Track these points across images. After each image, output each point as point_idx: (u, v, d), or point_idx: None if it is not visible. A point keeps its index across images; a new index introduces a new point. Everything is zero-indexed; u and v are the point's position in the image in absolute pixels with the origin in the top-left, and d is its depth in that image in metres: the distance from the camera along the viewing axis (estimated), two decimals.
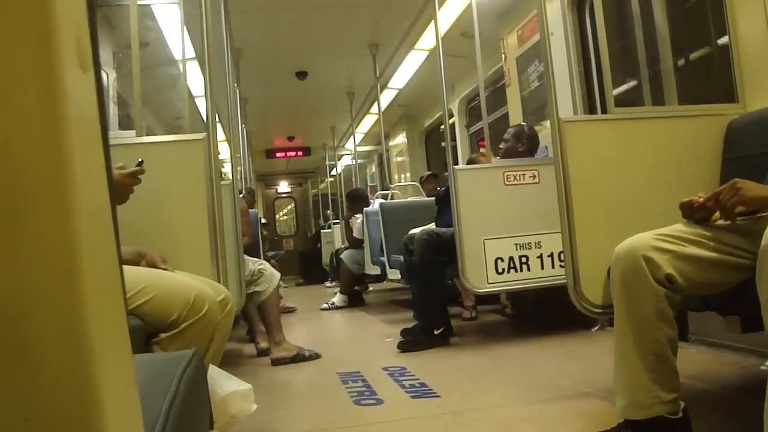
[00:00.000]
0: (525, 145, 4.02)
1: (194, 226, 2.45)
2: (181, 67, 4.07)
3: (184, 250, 2.41)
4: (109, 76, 4.82)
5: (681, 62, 3.73)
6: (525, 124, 4.40)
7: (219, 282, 2.33)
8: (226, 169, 7.69)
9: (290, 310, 6.54)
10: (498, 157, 4.10)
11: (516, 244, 3.60)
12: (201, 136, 2.49)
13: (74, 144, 0.28)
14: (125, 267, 1.84)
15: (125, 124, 4.97)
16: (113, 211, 0.33)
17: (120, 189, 1.93)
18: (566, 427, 2.05)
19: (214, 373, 1.79)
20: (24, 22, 0.27)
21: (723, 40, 2.93)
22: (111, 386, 0.30)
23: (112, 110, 4.79)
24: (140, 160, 2.01)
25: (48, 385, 0.28)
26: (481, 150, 4.98)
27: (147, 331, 1.69)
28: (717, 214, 1.68)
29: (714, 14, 3.16)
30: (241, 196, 4.85)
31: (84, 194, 0.28)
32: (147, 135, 2.75)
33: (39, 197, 0.27)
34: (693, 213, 1.71)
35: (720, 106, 2.63)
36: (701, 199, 1.67)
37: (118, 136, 2.78)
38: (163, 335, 1.70)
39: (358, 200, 6.91)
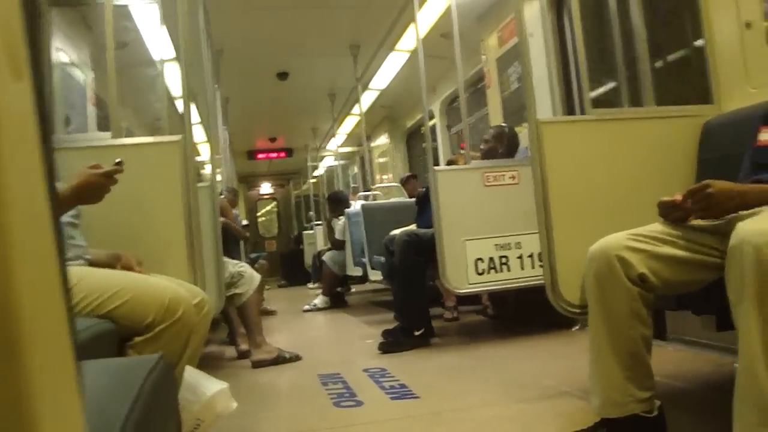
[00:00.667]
0: (505, 147, 4.03)
1: (171, 228, 2.43)
2: (159, 67, 4.04)
3: (161, 252, 2.39)
4: (87, 77, 4.77)
5: (658, 64, 3.76)
6: (506, 125, 4.41)
7: (196, 285, 2.32)
8: (207, 170, 7.65)
9: (270, 313, 6.50)
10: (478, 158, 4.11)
11: (496, 245, 3.61)
12: (177, 137, 2.47)
13: (2, 155, 0.27)
14: (99, 270, 1.84)
15: (104, 125, 4.92)
16: (54, 219, 0.32)
17: (94, 188, 1.90)
18: (545, 427, 2.06)
19: (193, 374, 1.79)
20: None
21: (699, 42, 2.96)
22: (48, 395, 0.29)
23: (90, 111, 4.74)
24: (119, 160, 1.99)
25: None
26: (461, 151, 5.00)
27: (121, 334, 1.68)
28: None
29: (690, 17, 3.18)
30: (222, 196, 4.84)
31: (15, 202, 0.28)
32: (126, 137, 2.73)
33: None
34: (670, 213, 1.73)
35: (696, 107, 2.65)
36: (679, 199, 1.69)
37: (94, 137, 2.76)
38: (137, 339, 1.69)
39: (339, 203, 6.90)
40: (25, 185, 0.29)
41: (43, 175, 0.31)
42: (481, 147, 4.08)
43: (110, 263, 2.04)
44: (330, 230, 7.01)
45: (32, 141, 0.31)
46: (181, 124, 2.56)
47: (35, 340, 0.29)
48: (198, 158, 2.59)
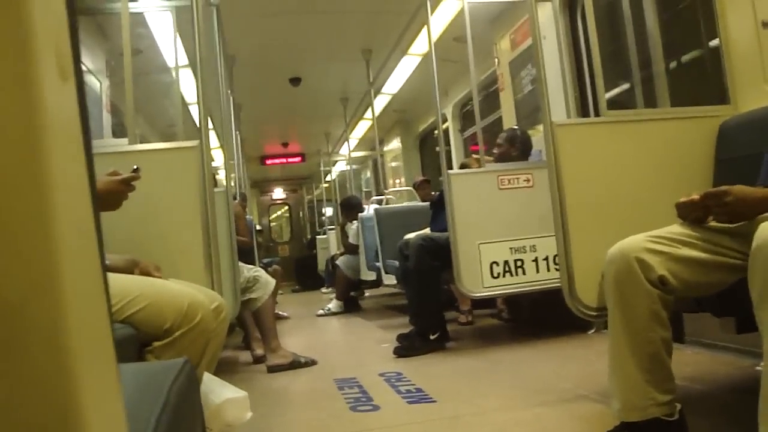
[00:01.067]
0: (518, 149, 4.03)
1: (188, 233, 2.44)
2: (174, 74, 4.07)
3: (177, 257, 2.40)
4: (102, 84, 4.81)
5: (673, 65, 3.75)
6: (517, 127, 4.41)
7: (213, 289, 2.33)
8: (221, 176, 7.68)
9: (282, 317, 6.49)
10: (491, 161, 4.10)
11: (511, 248, 3.60)
12: (194, 143, 2.49)
13: (53, 154, 0.28)
14: (118, 276, 1.84)
15: (119, 132, 4.95)
16: (97, 221, 0.33)
17: (113, 195, 1.92)
18: (563, 431, 2.05)
19: (209, 381, 1.78)
20: (0, 31, 0.27)
21: (714, 42, 2.94)
22: (94, 399, 0.29)
23: (106, 118, 4.78)
24: (135, 167, 2.01)
25: (27, 398, 0.28)
26: (474, 156, 5.00)
27: (140, 339, 1.69)
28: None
29: (704, 16, 3.17)
30: (235, 201, 4.85)
31: (63, 204, 0.28)
32: (140, 143, 2.74)
33: (16, 208, 0.27)
34: (689, 214, 1.72)
35: (712, 107, 2.64)
36: (696, 199, 1.68)
37: (110, 144, 2.78)
38: (156, 344, 1.69)
39: (352, 208, 6.91)
40: (72, 185, 0.30)
41: (87, 175, 0.31)
42: (494, 151, 4.08)
43: (128, 269, 2.05)
44: (344, 235, 7.02)
45: (78, 141, 0.31)
46: (196, 129, 2.58)
47: (82, 345, 0.29)
48: (212, 164, 2.62)
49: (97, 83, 4.75)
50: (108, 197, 1.90)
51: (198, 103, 2.58)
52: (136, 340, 1.65)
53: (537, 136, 4.32)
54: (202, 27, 2.58)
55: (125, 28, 2.68)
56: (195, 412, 0.85)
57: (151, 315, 1.70)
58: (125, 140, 2.63)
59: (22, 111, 0.27)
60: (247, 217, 5.06)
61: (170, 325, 1.69)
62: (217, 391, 1.75)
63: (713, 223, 1.70)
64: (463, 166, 4.52)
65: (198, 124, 2.56)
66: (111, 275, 1.83)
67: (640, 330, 1.63)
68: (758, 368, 2.30)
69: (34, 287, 0.27)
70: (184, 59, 4.29)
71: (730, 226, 1.65)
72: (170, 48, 4.09)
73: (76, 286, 0.29)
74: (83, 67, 4.21)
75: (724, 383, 2.47)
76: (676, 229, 1.69)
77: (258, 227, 8.78)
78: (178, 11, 3.23)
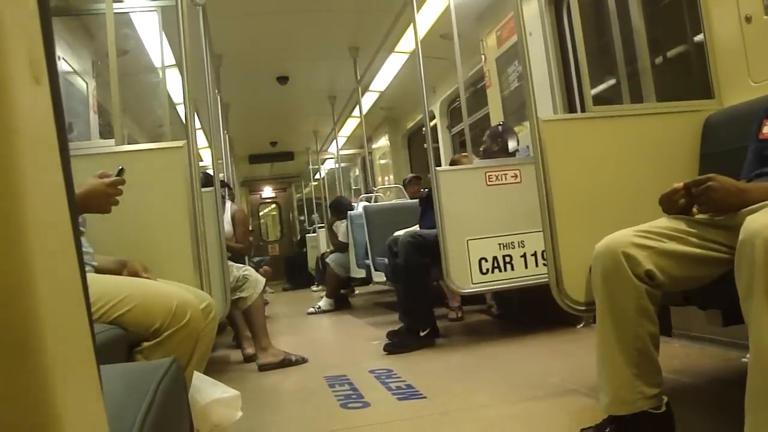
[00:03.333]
0: (499, 144, 4.05)
1: (176, 233, 2.44)
2: (160, 74, 4.05)
3: (166, 258, 2.40)
4: (89, 85, 4.79)
5: (658, 60, 3.77)
6: (499, 123, 4.42)
7: (202, 289, 2.33)
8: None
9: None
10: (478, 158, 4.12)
11: (499, 244, 3.61)
12: (181, 143, 2.48)
13: (25, 157, 0.28)
14: (106, 277, 1.84)
15: (106, 133, 4.93)
16: (75, 223, 0.33)
17: (100, 198, 1.91)
18: (552, 425, 2.06)
19: (198, 380, 1.78)
20: None
21: (699, 37, 2.96)
22: (72, 401, 0.29)
23: (93, 119, 4.75)
24: (120, 167, 2.00)
25: (3, 402, 0.28)
26: (463, 153, 5.01)
27: (130, 340, 1.68)
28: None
29: (689, 12, 3.19)
30: (237, 208, 4.84)
31: (37, 207, 0.28)
32: (128, 143, 2.74)
33: None
34: (673, 204, 1.73)
35: (697, 102, 2.65)
36: (679, 186, 1.69)
37: (97, 145, 2.76)
38: (145, 344, 1.69)
39: (341, 208, 6.89)
40: (46, 188, 0.30)
41: (63, 177, 0.31)
42: (481, 148, 4.10)
43: (116, 270, 2.05)
44: (332, 234, 7.01)
45: (52, 144, 0.31)
46: (183, 129, 2.57)
47: (58, 347, 0.29)
48: (200, 163, 2.60)
49: (83, 84, 4.73)
50: (95, 200, 1.89)
51: (185, 102, 2.57)
52: (125, 340, 1.65)
53: (524, 132, 4.33)
54: (187, 27, 2.57)
55: (110, 29, 2.67)
56: (182, 412, 0.85)
57: (140, 315, 1.69)
58: (112, 141, 2.62)
59: None
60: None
61: (159, 325, 1.69)
62: (205, 391, 1.74)
63: (699, 217, 1.71)
64: (453, 163, 4.53)
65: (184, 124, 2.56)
66: (99, 277, 1.84)
67: (627, 324, 1.64)
68: (744, 360, 2.33)
69: (7, 290, 0.27)
70: (170, 59, 4.27)
71: (716, 219, 1.67)
72: (156, 48, 4.08)
73: (52, 289, 0.29)
74: (69, 68, 4.18)
75: (711, 375, 2.49)
76: (663, 223, 1.70)
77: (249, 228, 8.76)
78: (164, 11, 3.23)
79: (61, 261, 0.31)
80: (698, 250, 1.62)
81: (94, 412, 0.33)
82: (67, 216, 0.32)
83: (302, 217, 14.26)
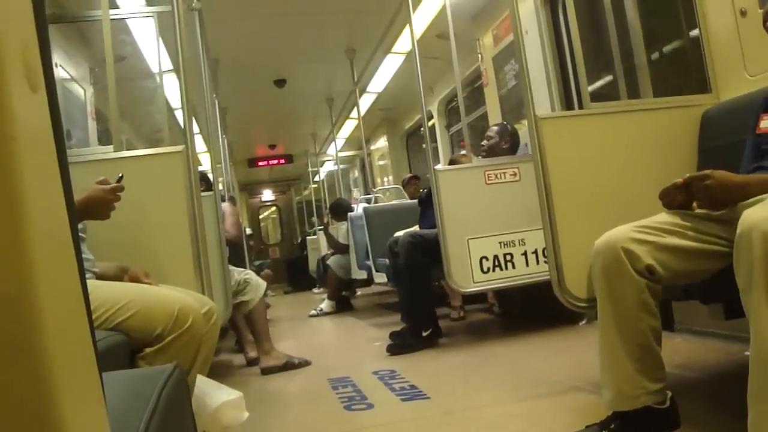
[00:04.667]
0: (509, 143, 4.04)
1: (177, 238, 2.44)
2: (158, 79, 4.05)
3: (167, 263, 2.40)
4: (86, 92, 4.79)
5: (654, 55, 3.77)
6: (506, 122, 4.42)
7: (204, 294, 2.33)
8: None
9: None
10: (480, 156, 4.10)
11: (500, 243, 3.61)
12: (179, 148, 2.48)
13: (24, 164, 0.28)
14: (107, 283, 1.84)
15: (104, 139, 4.93)
16: (74, 229, 0.33)
17: (100, 205, 1.92)
18: (556, 422, 2.06)
19: (204, 384, 1.78)
20: None
21: (694, 32, 2.96)
22: (74, 406, 0.30)
23: (91, 125, 4.75)
24: (120, 175, 2.00)
25: (5, 408, 0.28)
26: (462, 152, 5.01)
27: (132, 346, 1.69)
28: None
29: (684, 6, 3.19)
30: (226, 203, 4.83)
31: (37, 215, 0.28)
32: (126, 149, 2.74)
33: None
34: (673, 199, 1.73)
35: (694, 97, 2.65)
36: (679, 182, 1.69)
37: (96, 151, 2.76)
38: (148, 350, 1.70)
39: (341, 210, 6.89)
40: (45, 195, 0.30)
41: (62, 184, 0.31)
42: (483, 144, 4.07)
43: (117, 276, 2.05)
44: (328, 236, 7.00)
45: (50, 150, 0.31)
46: (182, 134, 2.57)
47: (60, 355, 0.29)
48: (199, 168, 2.61)
49: (81, 91, 4.73)
50: (95, 207, 1.90)
51: (182, 107, 2.57)
52: (128, 347, 1.65)
53: (522, 130, 4.33)
54: (184, 32, 2.57)
55: (107, 35, 2.67)
56: (185, 417, 0.85)
57: (142, 321, 1.70)
58: (111, 147, 2.62)
59: None
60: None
61: (161, 330, 1.69)
62: (213, 394, 1.75)
63: (699, 211, 1.71)
64: (451, 162, 4.53)
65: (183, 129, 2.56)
66: (100, 283, 1.84)
67: (629, 320, 1.65)
68: (747, 353, 2.33)
69: (9, 298, 0.27)
70: (167, 64, 4.27)
71: (714, 213, 1.67)
72: (153, 53, 4.08)
73: (52, 296, 0.29)
74: (66, 75, 4.18)
75: (714, 370, 2.49)
76: (662, 218, 1.70)
77: (248, 231, 8.77)
78: (160, 17, 3.22)
79: (62, 268, 0.31)
80: (698, 244, 1.62)
81: (96, 418, 0.33)
82: (66, 223, 0.32)
83: (301, 221, 14.26)
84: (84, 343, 0.33)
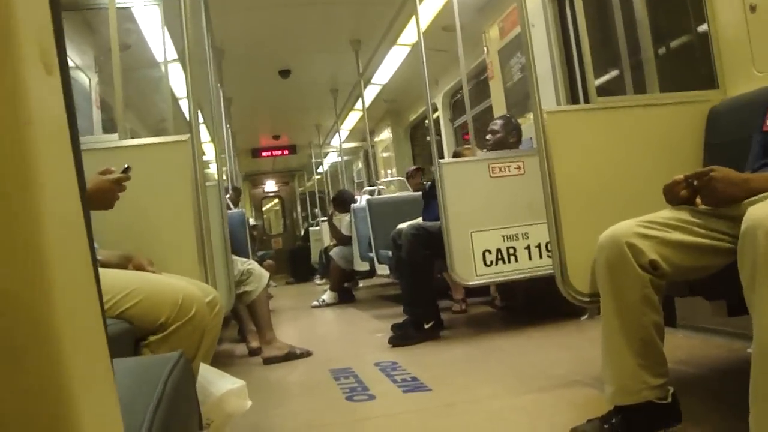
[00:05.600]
0: (514, 136, 4.03)
1: (181, 227, 2.44)
2: (163, 68, 4.05)
3: (171, 252, 2.40)
4: (91, 80, 4.78)
5: (662, 50, 3.75)
6: (511, 115, 4.41)
7: (207, 283, 2.33)
8: (212, 170, 7.64)
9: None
10: (485, 150, 4.09)
11: (503, 236, 3.61)
12: (184, 137, 2.48)
13: (40, 149, 0.28)
14: (111, 271, 1.84)
15: (109, 128, 4.93)
16: (87, 216, 0.33)
17: (105, 195, 1.92)
18: (557, 416, 2.06)
19: (207, 372, 1.79)
20: None
21: (702, 27, 2.95)
22: (87, 392, 0.30)
23: (96, 114, 4.75)
24: (126, 166, 2.00)
25: (19, 393, 0.28)
26: (466, 146, 5.00)
27: (136, 334, 1.69)
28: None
29: (692, 1, 3.17)
30: (228, 196, 4.83)
31: (51, 200, 0.28)
32: (131, 138, 2.74)
33: (3, 205, 0.27)
34: (675, 195, 1.73)
35: (701, 93, 2.64)
36: (680, 178, 1.69)
37: (101, 140, 2.76)
38: (152, 338, 1.70)
39: (345, 202, 6.89)
40: (60, 181, 0.30)
41: (75, 170, 0.31)
42: (488, 137, 4.06)
43: (121, 264, 2.05)
44: (332, 227, 7.01)
45: (65, 135, 0.31)
46: (186, 124, 2.57)
47: (73, 341, 0.29)
48: (203, 158, 2.62)
49: (86, 79, 4.72)
50: (100, 197, 1.90)
51: (188, 97, 2.57)
52: (132, 334, 1.66)
53: (527, 123, 4.32)
54: (189, 21, 2.56)
55: (112, 23, 2.66)
56: (190, 405, 0.86)
57: (146, 309, 1.70)
58: (115, 136, 2.62)
59: (6, 106, 0.27)
60: (239, 210, 5.03)
61: (165, 319, 1.69)
62: (217, 382, 1.75)
63: (703, 207, 1.71)
64: (455, 155, 4.53)
65: (188, 119, 2.55)
66: (105, 271, 1.84)
67: (632, 315, 1.65)
68: (749, 350, 2.33)
69: (23, 283, 0.27)
70: (173, 53, 4.26)
71: (719, 210, 1.66)
72: (159, 42, 4.07)
73: (66, 281, 0.29)
74: (72, 63, 4.18)
75: (716, 366, 2.49)
76: (667, 213, 1.70)
77: (252, 221, 8.77)
78: (166, 5, 3.22)
79: (75, 254, 0.31)
80: (702, 240, 1.62)
81: (108, 404, 0.33)
82: (80, 209, 0.32)
83: (304, 213, 14.26)
84: (96, 331, 0.33)
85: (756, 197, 1.54)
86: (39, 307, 0.28)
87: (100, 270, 1.59)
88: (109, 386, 0.34)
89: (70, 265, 0.30)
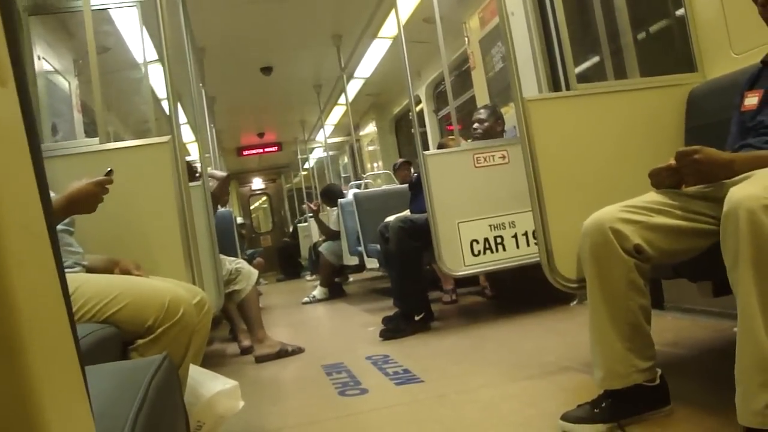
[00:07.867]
0: (501, 124, 4.04)
1: (166, 229, 2.43)
2: (143, 69, 4.03)
3: (157, 254, 2.39)
4: (71, 84, 4.74)
5: (640, 35, 3.77)
6: (494, 104, 4.41)
7: (195, 284, 2.32)
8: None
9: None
10: (470, 140, 4.10)
11: (490, 225, 3.62)
12: (166, 138, 2.47)
13: None
14: (97, 276, 1.83)
15: (91, 131, 4.89)
16: (49, 222, 0.33)
17: (87, 198, 1.91)
18: (549, 402, 2.07)
19: (197, 374, 1.78)
20: None
21: (680, 11, 2.96)
22: (55, 402, 0.29)
23: (77, 118, 4.71)
24: (109, 169, 1.99)
25: None
26: (450, 136, 5.00)
27: (124, 338, 1.68)
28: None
29: None
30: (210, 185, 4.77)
31: (9, 209, 0.28)
32: (114, 141, 2.72)
33: None
34: (664, 180, 1.74)
35: (680, 76, 2.66)
36: (673, 164, 1.70)
37: (82, 144, 2.74)
38: (140, 341, 1.69)
39: (333, 196, 6.87)
40: (17, 189, 0.29)
41: (36, 180, 0.31)
42: (475, 127, 4.05)
43: (107, 268, 2.05)
44: (320, 223, 6.99)
45: (21, 144, 0.31)
46: (168, 125, 2.55)
47: (38, 348, 0.29)
48: (188, 158, 2.60)
49: (66, 83, 4.68)
50: (82, 200, 1.89)
51: (168, 97, 2.56)
52: (119, 339, 1.65)
53: (510, 113, 4.33)
54: (167, 20, 2.55)
55: (88, 26, 2.64)
56: (176, 407, 0.86)
57: (133, 313, 1.69)
58: (97, 140, 2.60)
59: None
60: (227, 209, 5.02)
61: (152, 322, 1.69)
62: (207, 383, 1.74)
63: (686, 189, 1.72)
64: (440, 146, 4.53)
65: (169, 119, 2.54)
66: (90, 276, 1.83)
67: (618, 299, 1.66)
68: (735, 330, 2.35)
69: None
70: (153, 54, 4.23)
71: (703, 190, 1.68)
72: (138, 44, 4.04)
73: (29, 289, 0.29)
74: (50, 67, 4.14)
75: (703, 346, 2.51)
76: (650, 197, 1.71)
77: (240, 220, 8.75)
78: (143, 6, 3.19)
79: (37, 261, 0.31)
80: (685, 223, 1.63)
81: (79, 412, 0.33)
82: (41, 216, 0.32)
83: (303, 206, 14.20)
84: (63, 336, 0.33)
85: (737, 177, 1.55)
86: (2, 317, 0.28)
87: (85, 275, 1.59)
88: (79, 393, 0.33)
89: (32, 272, 0.30)
